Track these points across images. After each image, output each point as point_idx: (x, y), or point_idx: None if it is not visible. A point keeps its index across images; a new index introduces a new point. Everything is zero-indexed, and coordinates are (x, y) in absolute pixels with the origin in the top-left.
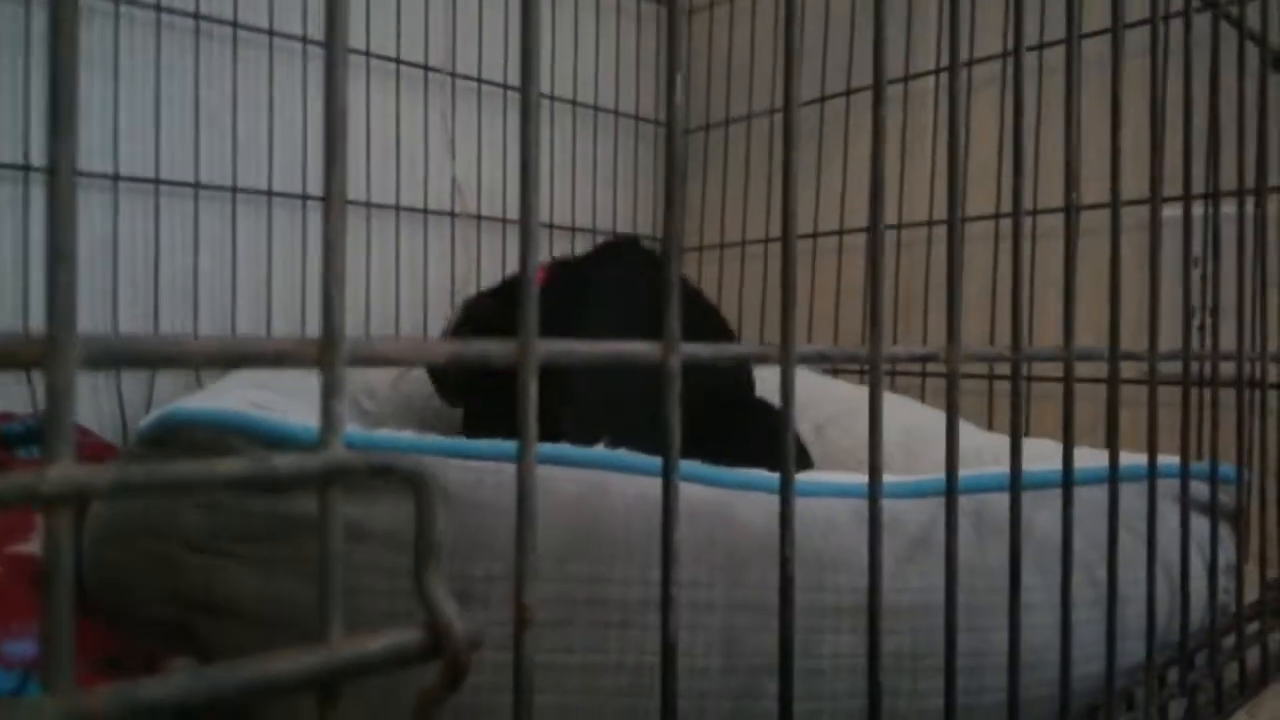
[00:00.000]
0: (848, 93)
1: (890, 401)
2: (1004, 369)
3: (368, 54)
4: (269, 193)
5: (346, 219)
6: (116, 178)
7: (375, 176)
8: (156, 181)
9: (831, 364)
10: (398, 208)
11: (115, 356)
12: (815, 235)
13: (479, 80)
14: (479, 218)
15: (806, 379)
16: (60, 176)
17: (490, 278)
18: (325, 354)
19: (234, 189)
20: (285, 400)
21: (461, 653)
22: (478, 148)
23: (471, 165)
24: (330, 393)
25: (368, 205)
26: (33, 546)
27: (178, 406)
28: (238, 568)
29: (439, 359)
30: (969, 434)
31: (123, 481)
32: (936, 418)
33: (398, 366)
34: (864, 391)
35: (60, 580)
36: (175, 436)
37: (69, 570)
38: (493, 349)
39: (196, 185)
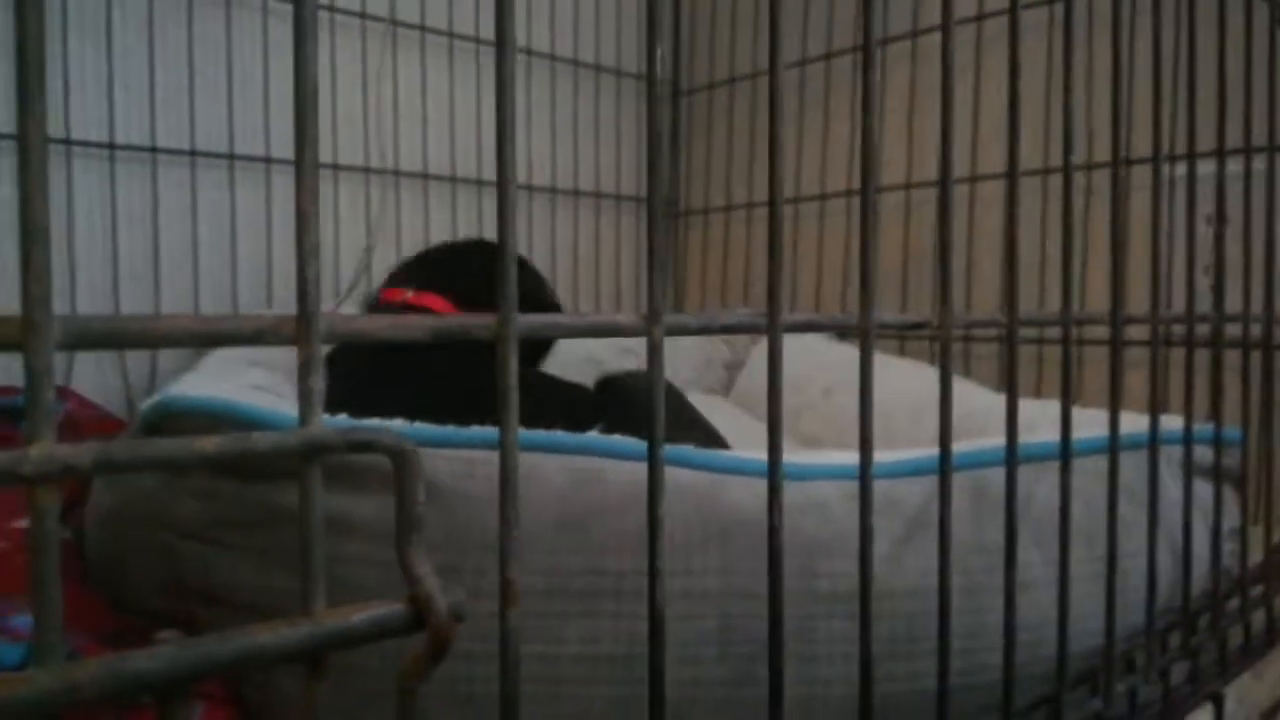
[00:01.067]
0: (855, 50)
1: (899, 367)
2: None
3: (332, 9)
4: (267, 159)
5: (319, 192)
6: (112, 146)
7: (341, 141)
8: (153, 150)
9: (820, 332)
10: (367, 170)
11: (91, 337)
12: (823, 197)
13: (450, 34)
14: (453, 180)
15: (812, 343)
16: (31, 154)
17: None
18: (301, 331)
19: (231, 156)
20: (282, 379)
21: (443, 624)
22: (450, 106)
23: (444, 124)
24: (308, 370)
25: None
26: None
27: (173, 395)
28: (232, 556)
29: (417, 336)
30: (979, 395)
31: (105, 459)
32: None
33: (377, 341)
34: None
35: (47, 557)
36: (172, 424)
37: (56, 546)
38: (473, 323)
39: (193, 153)
